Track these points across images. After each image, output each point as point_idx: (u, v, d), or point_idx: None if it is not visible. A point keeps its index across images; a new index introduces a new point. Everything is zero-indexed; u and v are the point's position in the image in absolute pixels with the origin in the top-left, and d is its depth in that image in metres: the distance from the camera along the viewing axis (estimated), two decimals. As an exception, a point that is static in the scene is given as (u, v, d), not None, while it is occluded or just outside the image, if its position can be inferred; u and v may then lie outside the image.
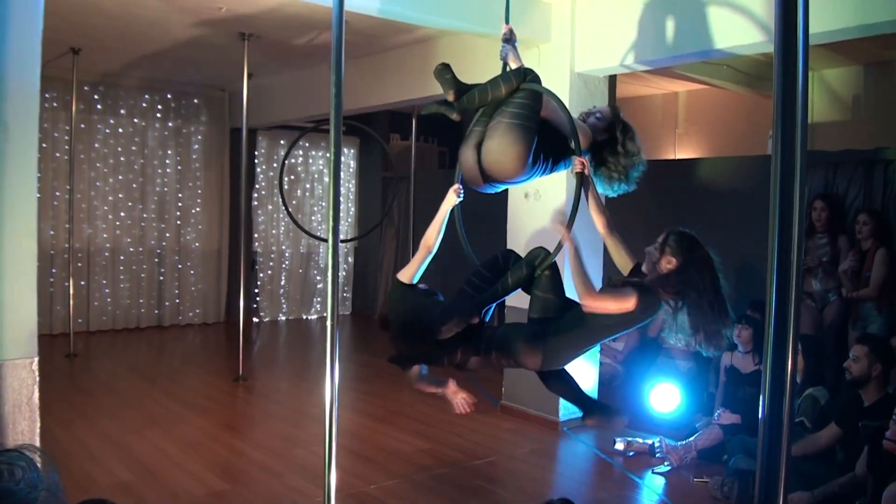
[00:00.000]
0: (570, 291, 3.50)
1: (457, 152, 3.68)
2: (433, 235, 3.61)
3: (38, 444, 3.80)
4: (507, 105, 3.44)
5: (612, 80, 7.11)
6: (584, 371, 6.02)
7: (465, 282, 3.57)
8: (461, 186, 3.68)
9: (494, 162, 3.39)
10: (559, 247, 3.49)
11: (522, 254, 3.61)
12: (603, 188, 3.80)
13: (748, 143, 9.00)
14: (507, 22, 3.98)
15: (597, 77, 6.24)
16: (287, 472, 5.14)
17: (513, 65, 3.71)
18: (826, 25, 4.47)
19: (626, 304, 3.31)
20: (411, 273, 3.64)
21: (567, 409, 6.17)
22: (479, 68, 6.53)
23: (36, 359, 3.76)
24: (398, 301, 3.64)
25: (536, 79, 3.52)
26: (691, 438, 5.36)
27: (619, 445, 5.57)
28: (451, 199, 3.69)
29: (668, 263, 3.40)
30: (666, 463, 5.24)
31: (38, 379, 3.75)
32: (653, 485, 5.03)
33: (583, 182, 3.47)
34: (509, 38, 3.84)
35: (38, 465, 1.07)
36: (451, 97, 3.55)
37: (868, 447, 4.27)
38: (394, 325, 3.66)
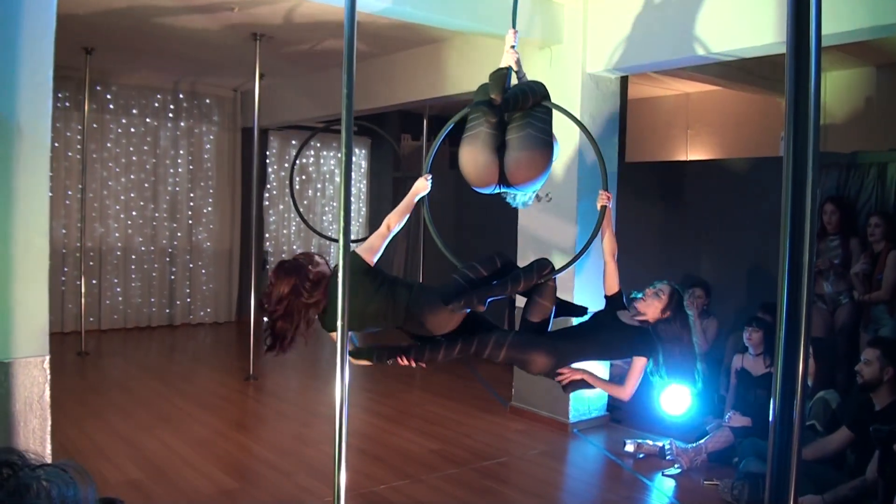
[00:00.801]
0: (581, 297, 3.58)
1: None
2: (395, 220, 3.79)
3: (48, 441, 3.82)
4: (533, 119, 3.73)
5: (624, 80, 7.11)
6: (595, 371, 6.00)
7: (459, 274, 3.71)
8: (430, 175, 3.91)
9: (525, 171, 3.67)
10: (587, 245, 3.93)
11: (533, 255, 3.70)
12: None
13: (760, 145, 8.98)
14: (513, 26, 4.04)
15: (608, 78, 6.23)
16: (297, 471, 5.15)
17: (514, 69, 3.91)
18: (839, 27, 4.45)
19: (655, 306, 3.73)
20: (374, 255, 3.79)
21: (577, 411, 6.17)
22: (489, 69, 6.55)
23: (47, 357, 3.78)
24: (369, 282, 3.70)
25: (547, 94, 3.88)
26: (702, 441, 5.35)
27: (630, 447, 5.56)
28: (421, 185, 3.86)
29: (663, 313, 3.75)
30: (676, 465, 5.23)
31: (49, 377, 3.77)
32: (663, 487, 5.02)
33: (604, 213, 3.87)
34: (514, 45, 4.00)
35: (76, 481, 1.08)
36: (497, 99, 3.73)
37: (879, 451, 4.25)
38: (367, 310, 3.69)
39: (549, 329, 3.81)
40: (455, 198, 9.46)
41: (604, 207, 3.87)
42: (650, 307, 3.73)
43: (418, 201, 3.90)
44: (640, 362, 3.80)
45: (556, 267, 3.74)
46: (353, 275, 3.44)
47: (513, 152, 3.66)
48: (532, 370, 3.77)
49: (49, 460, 3.25)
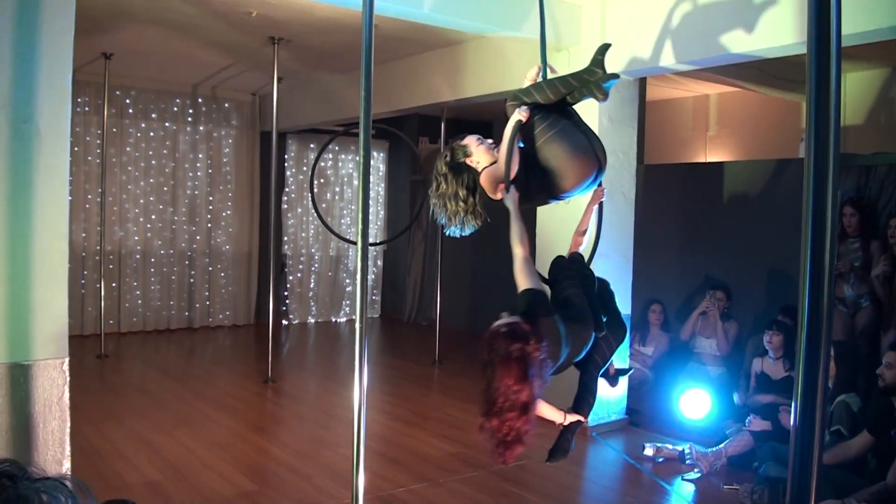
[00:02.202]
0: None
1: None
2: (503, 159, 3.23)
3: (67, 442, 3.85)
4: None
5: (642, 82, 7.08)
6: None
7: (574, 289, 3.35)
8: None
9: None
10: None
11: (554, 252, 3.63)
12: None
13: (780, 146, 8.91)
14: (542, 24, 3.96)
15: (627, 80, 6.20)
16: (315, 473, 5.15)
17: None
18: (859, 27, 4.41)
19: None
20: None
21: (596, 415, 6.13)
22: (509, 71, 6.54)
23: (66, 359, 3.80)
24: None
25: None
26: (721, 445, 5.30)
27: (649, 451, 5.52)
28: (520, 115, 3.28)
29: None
30: (696, 469, 5.19)
31: (68, 379, 3.80)
32: (682, 492, 4.99)
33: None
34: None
35: (75, 495, 1.08)
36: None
37: (901, 456, 4.20)
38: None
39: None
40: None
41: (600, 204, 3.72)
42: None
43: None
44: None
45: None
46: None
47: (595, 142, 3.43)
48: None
49: (68, 462, 3.27)
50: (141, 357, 9.04)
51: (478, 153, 3.40)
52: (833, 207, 2.84)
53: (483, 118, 10.74)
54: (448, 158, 3.41)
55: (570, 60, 6.17)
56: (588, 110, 6.05)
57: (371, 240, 11.69)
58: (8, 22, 3.56)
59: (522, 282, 3.02)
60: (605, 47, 3.61)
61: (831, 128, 2.75)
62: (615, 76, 3.61)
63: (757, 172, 7.33)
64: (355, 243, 2.94)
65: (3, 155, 3.58)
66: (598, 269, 5.98)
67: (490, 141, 3.45)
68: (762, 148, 9.42)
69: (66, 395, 3.82)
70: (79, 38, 3.80)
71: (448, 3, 5.41)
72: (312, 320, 11.66)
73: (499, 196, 3.30)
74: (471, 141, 3.43)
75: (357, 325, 2.89)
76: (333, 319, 11.82)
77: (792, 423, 3.03)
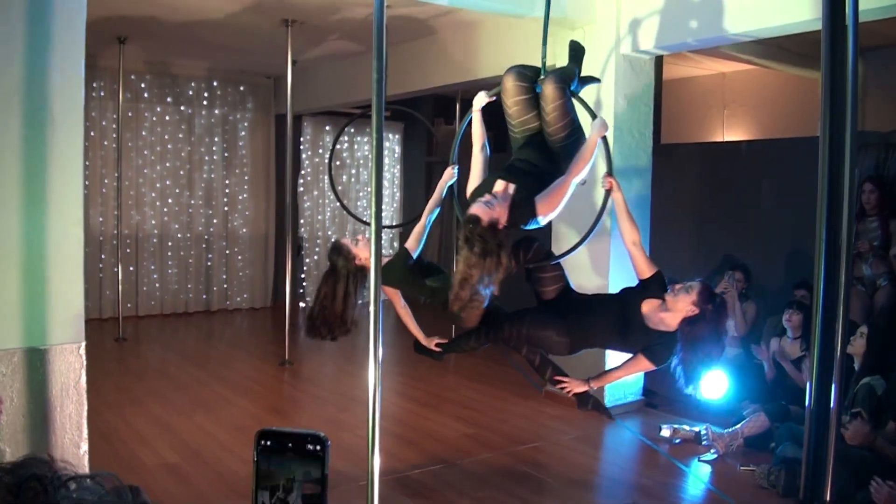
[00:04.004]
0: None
1: (503, 138, 4.05)
2: (427, 212, 4.04)
3: (84, 426, 3.88)
4: None
5: (659, 61, 7.01)
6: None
7: None
8: (457, 164, 4.12)
9: None
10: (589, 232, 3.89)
11: (567, 243, 3.70)
12: None
13: (799, 125, 8.81)
14: (546, 8, 4.03)
15: (643, 58, 6.14)
16: (332, 454, 5.13)
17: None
18: (878, 2, 4.33)
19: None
20: (414, 246, 3.94)
21: (612, 396, 6.12)
22: (521, 52, 6.49)
23: (83, 343, 3.83)
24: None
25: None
26: (738, 426, 5.27)
27: (665, 432, 5.51)
28: (447, 175, 4.10)
29: (691, 310, 3.57)
30: (712, 451, 5.17)
31: (85, 363, 3.82)
32: (699, 473, 4.97)
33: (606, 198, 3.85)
34: None
35: (110, 495, 0.94)
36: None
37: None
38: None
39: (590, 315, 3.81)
40: (486, 181, 9.36)
41: (607, 192, 3.80)
42: (678, 301, 3.56)
43: (448, 190, 4.03)
44: (641, 362, 3.71)
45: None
46: (401, 265, 3.89)
47: None
48: (552, 351, 3.80)
49: (86, 445, 3.26)
50: (159, 340, 9.10)
51: (500, 214, 3.53)
52: (851, 185, 2.81)
53: (499, 99, 10.67)
54: (479, 249, 3.41)
55: (585, 39, 6.11)
56: (604, 91, 6.02)
57: (386, 222, 11.69)
58: (20, 7, 3.56)
59: None
60: (578, 49, 3.79)
61: (848, 105, 2.72)
62: (594, 80, 3.84)
63: (775, 151, 7.26)
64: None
65: (18, 141, 3.58)
66: (614, 249, 5.98)
67: (488, 198, 3.57)
68: (780, 126, 9.32)
69: (83, 378, 3.85)
70: (93, 23, 3.79)
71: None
72: (329, 302, 11.65)
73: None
74: (482, 213, 3.48)
75: (371, 308, 2.88)
76: (350, 301, 11.81)
77: (807, 403, 3.00)
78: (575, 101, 3.87)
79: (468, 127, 4.11)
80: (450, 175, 4.03)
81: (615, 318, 3.74)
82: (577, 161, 3.65)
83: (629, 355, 3.80)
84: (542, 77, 3.82)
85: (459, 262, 3.42)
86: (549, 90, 3.72)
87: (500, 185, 3.65)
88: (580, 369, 4.23)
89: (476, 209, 3.48)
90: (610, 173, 3.81)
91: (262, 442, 1.15)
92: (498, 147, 4.63)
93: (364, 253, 3.78)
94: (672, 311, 3.59)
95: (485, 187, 3.72)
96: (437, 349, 4.06)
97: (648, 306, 3.67)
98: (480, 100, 4.00)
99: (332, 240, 11.41)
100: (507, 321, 3.81)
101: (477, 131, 4.01)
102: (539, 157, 3.77)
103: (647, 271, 3.73)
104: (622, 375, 3.91)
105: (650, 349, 3.65)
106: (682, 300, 3.56)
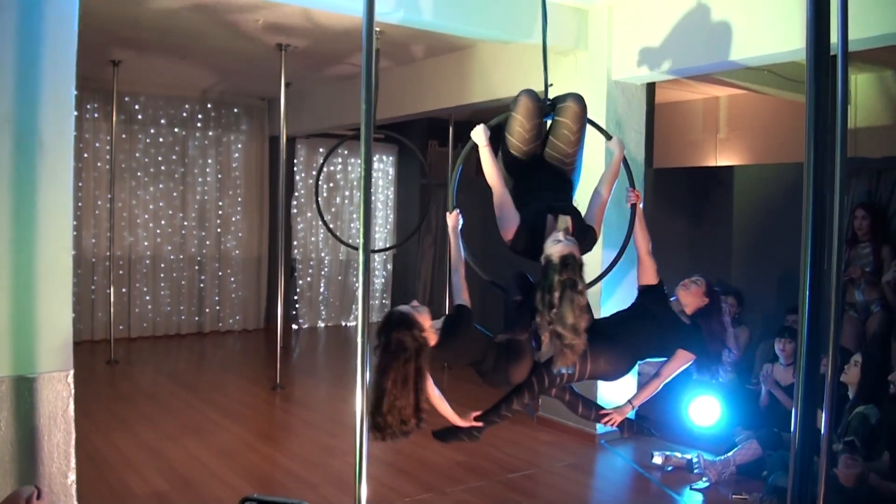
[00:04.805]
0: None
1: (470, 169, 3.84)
2: (453, 259, 3.63)
3: (73, 454, 3.84)
4: None
5: (651, 87, 7.04)
6: (623, 380, 5.92)
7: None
8: (458, 210, 3.69)
9: None
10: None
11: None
12: None
13: (792, 150, 8.83)
14: (544, 29, 3.95)
15: (634, 84, 6.16)
16: (322, 482, 5.13)
17: None
18: (864, 32, 4.36)
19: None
20: (460, 295, 3.59)
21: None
22: (514, 76, 6.51)
23: (71, 371, 3.80)
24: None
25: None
26: (730, 453, 5.24)
27: (657, 460, 5.48)
28: (452, 222, 3.68)
29: (703, 300, 3.73)
30: (704, 479, 5.14)
31: (73, 391, 3.79)
32: (691, 501, 4.94)
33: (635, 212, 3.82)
34: None
35: None
36: None
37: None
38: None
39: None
40: (483, 204, 9.36)
41: (633, 206, 3.80)
42: (691, 294, 3.72)
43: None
44: (683, 356, 3.70)
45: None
46: (468, 324, 3.52)
47: None
48: (573, 378, 3.67)
49: (73, 475, 3.23)
50: (151, 362, 9.05)
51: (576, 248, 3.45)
52: (841, 212, 2.80)
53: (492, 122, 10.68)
54: (583, 288, 3.29)
55: (576, 65, 6.14)
56: (595, 116, 6.02)
57: (380, 244, 11.68)
58: (10, 34, 3.55)
59: None
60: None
61: (837, 132, 2.72)
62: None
63: (768, 176, 7.28)
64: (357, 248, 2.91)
65: (7, 168, 3.57)
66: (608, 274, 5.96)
67: (563, 235, 3.42)
68: (773, 151, 9.34)
69: (71, 407, 3.82)
70: (87, 47, 3.79)
71: (452, 10, 5.39)
72: (322, 324, 11.65)
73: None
74: (574, 250, 3.35)
75: (359, 339, 2.86)
76: (343, 323, 11.81)
77: (792, 429, 2.98)
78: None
79: (473, 163, 4.02)
80: (456, 221, 3.65)
81: (650, 328, 3.71)
82: (608, 178, 3.72)
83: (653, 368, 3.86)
84: (554, 99, 3.76)
85: (565, 308, 3.16)
86: (576, 110, 3.62)
87: (563, 222, 3.51)
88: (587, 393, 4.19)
89: (567, 248, 3.26)
90: (633, 186, 3.84)
91: None
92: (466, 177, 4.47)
93: (428, 321, 3.34)
94: (686, 304, 3.73)
95: (533, 224, 3.53)
96: (477, 423, 3.76)
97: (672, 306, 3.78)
98: (484, 133, 3.63)
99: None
100: (546, 370, 3.57)
101: (493, 169, 3.64)
102: (559, 182, 3.72)
103: (656, 278, 3.77)
104: (664, 380, 3.83)
105: (686, 343, 3.71)
106: (694, 293, 3.72)
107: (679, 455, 5.47)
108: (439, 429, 3.77)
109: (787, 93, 8.34)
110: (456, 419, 3.70)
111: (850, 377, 4.91)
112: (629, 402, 3.94)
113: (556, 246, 3.29)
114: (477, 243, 4.02)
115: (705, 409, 6.04)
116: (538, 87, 3.78)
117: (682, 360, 3.74)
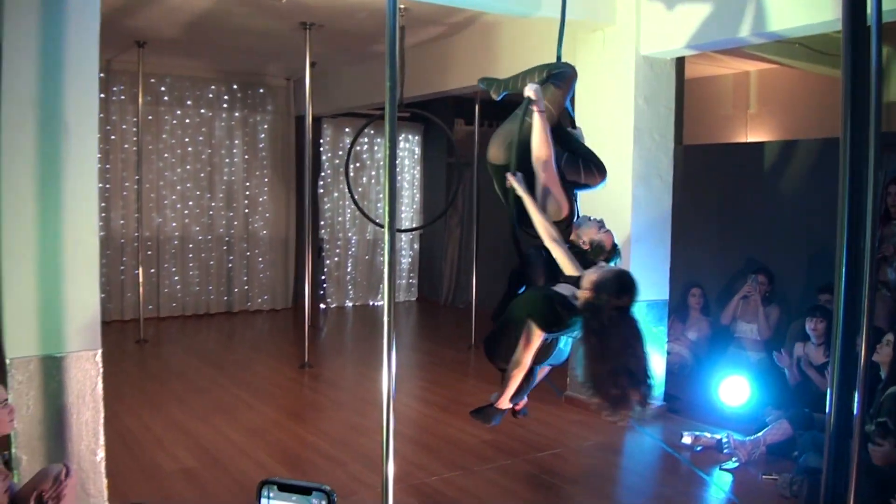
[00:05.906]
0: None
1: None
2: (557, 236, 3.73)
3: (101, 432, 3.89)
4: None
5: (680, 62, 6.92)
6: (652, 360, 5.89)
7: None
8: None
9: None
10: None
11: None
12: None
13: (824, 125, 8.67)
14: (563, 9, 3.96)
15: (663, 60, 6.06)
16: (350, 460, 5.15)
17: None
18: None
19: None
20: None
21: (632, 401, 6.04)
22: (540, 52, 6.43)
23: (99, 350, 3.84)
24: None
25: None
26: (760, 433, 5.18)
27: (687, 440, 5.42)
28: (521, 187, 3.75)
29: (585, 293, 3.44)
30: (734, 459, 5.08)
31: (101, 370, 3.83)
32: (720, 481, 4.89)
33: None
34: None
35: None
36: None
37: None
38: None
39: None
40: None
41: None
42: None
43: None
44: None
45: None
46: None
47: None
48: None
49: (102, 452, 3.26)
50: (180, 342, 9.14)
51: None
52: (875, 188, 2.73)
53: (518, 98, 10.60)
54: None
55: (604, 41, 6.06)
56: (624, 92, 5.96)
57: (406, 224, 11.67)
58: (34, 17, 3.56)
59: None
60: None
61: (871, 106, 2.64)
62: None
63: (799, 152, 7.15)
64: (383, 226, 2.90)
65: (33, 150, 3.60)
66: (635, 253, 5.93)
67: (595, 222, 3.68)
68: (805, 126, 9.18)
69: (100, 385, 3.87)
70: (111, 29, 3.79)
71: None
72: (350, 304, 11.68)
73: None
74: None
75: (385, 319, 2.86)
76: (371, 303, 11.83)
77: (827, 410, 2.92)
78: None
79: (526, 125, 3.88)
80: (522, 185, 3.75)
81: None
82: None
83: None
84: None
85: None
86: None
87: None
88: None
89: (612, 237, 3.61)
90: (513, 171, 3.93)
91: (265, 494, 1.10)
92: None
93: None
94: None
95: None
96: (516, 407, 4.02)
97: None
98: (538, 91, 3.73)
99: (354, 240, 11.41)
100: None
101: (546, 138, 3.70)
102: None
103: (572, 271, 3.77)
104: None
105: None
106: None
107: (709, 435, 5.41)
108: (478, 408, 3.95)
109: (817, 66, 8.19)
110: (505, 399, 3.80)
111: (883, 357, 4.82)
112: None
113: (600, 232, 3.58)
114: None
115: (735, 389, 5.98)
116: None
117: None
